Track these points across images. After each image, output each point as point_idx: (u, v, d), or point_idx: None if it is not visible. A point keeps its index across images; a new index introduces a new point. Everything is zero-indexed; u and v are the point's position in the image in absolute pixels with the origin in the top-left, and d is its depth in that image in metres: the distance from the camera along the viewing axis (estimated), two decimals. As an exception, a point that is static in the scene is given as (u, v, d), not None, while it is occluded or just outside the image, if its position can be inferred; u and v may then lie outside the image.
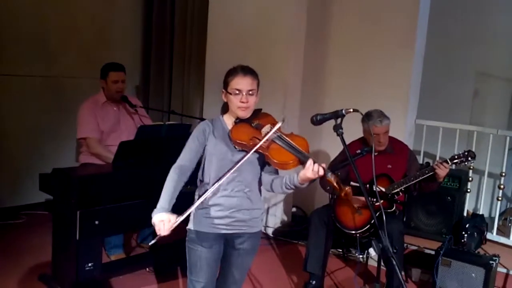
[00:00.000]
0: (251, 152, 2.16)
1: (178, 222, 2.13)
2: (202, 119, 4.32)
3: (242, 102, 2.23)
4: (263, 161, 2.27)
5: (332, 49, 4.79)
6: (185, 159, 2.27)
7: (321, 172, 2.07)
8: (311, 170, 2.07)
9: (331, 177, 2.07)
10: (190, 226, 2.32)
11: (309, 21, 4.62)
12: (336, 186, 2.06)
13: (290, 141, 2.20)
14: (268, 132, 2.20)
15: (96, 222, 3.05)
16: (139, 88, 5.85)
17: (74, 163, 4.32)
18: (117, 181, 3.24)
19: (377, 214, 3.21)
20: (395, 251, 1.89)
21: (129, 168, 3.33)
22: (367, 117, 3.46)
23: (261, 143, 2.16)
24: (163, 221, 2.11)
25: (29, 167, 4.54)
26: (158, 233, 2.13)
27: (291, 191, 2.28)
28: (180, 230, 2.34)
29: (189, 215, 2.31)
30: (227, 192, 2.26)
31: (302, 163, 2.13)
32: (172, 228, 2.12)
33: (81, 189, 3.02)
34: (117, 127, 3.88)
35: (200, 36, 5.19)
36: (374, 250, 2.00)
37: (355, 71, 4.67)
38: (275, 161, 2.16)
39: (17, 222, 4.51)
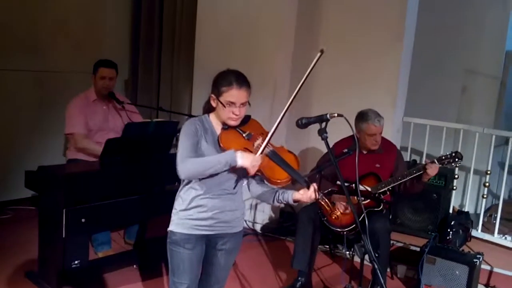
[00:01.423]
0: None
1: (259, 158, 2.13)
2: (191, 116, 4.33)
3: (236, 114, 2.19)
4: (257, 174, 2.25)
5: (320, 44, 4.78)
6: (190, 153, 2.15)
7: (313, 197, 2.12)
8: (308, 195, 2.14)
9: (322, 201, 2.09)
10: (172, 228, 2.30)
11: (298, 15, 4.61)
12: (328, 209, 2.09)
13: (284, 159, 2.19)
14: (259, 145, 2.17)
15: (83, 220, 3.06)
16: (128, 82, 5.81)
17: (62, 159, 4.30)
18: (103, 178, 3.24)
19: (362, 215, 3.28)
20: (376, 255, 1.91)
21: (115, 165, 3.32)
22: (363, 117, 3.47)
23: (262, 148, 2.13)
24: (256, 163, 2.09)
25: (16, 162, 4.50)
26: (249, 173, 2.11)
27: (281, 205, 2.30)
28: (165, 228, 2.35)
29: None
30: (211, 194, 2.24)
31: (294, 182, 2.15)
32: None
33: (67, 187, 3.01)
34: (105, 126, 3.88)
35: (188, 31, 5.16)
36: (357, 254, 2.02)
37: (343, 68, 4.66)
38: (267, 177, 2.17)
39: (4, 217, 4.48)
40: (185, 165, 2.13)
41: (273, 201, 2.29)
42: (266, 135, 2.22)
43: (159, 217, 2.88)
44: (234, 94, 2.17)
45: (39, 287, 3.26)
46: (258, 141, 2.23)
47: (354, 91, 4.51)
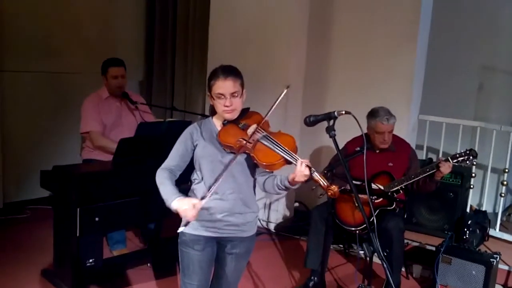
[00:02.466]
0: (237, 155, 2.13)
1: (202, 204, 2.10)
2: (204, 115, 4.34)
3: (226, 106, 2.19)
4: (253, 162, 2.24)
5: (334, 45, 4.76)
6: (173, 162, 2.26)
7: (307, 172, 2.03)
8: (299, 172, 2.04)
9: (316, 177, 2.03)
10: (182, 228, 2.29)
11: (311, 16, 4.59)
12: (323, 185, 2.02)
13: (277, 141, 2.16)
14: (254, 133, 2.17)
15: (97, 219, 3.09)
16: (143, 84, 5.87)
17: (78, 159, 4.37)
18: (117, 178, 3.26)
19: (376, 212, 3.25)
20: (385, 254, 1.88)
21: (128, 165, 3.34)
22: (373, 114, 3.44)
23: (245, 144, 2.13)
24: (187, 207, 2.06)
25: (34, 162, 4.58)
26: (186, 219, 2.12)
27: (285, 192, 2.26)
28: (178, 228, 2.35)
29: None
30: (219, 195, 2.22)
31: (289, 162, 2.10)
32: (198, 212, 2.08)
33: (81, 186, 3.05)
34: (119, 122, 3.90)
35: (202, 32, 5.20)
36: (365, 253, 1.99)
37: (358, 67, 4.63)
38: (260, 162, 2.13)
39: (22, 216, 4.57)
40: (157, 174, 2.25)
41: (275, 188, 2.22)
42: (265, 123, 2.22)
43: (174, 217, 2.90)
44: (220, 85, 2.19)
45: (54, 285, 3.31)
46: (252, 128, 2.22)
47: (369, 91, 4.48)
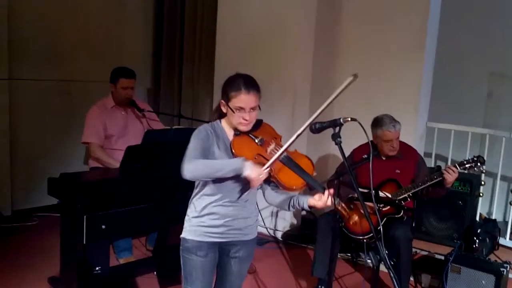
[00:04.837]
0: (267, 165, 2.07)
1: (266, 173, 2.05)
2: (211, 123, 4.35)
3: (245, 119, 2.15)
4: (271, 180, 2.21)
5: (341, 51, 4.75)
6: (199, 155, 2.12)
7: (329, 203, 2.05)
8: (322, 200, 2.07)
9: (338, 206, 2.05)
10: (184, 235, 2.29)
11: (318, 23, 4.59)
12: (345, 214, 2.06)
13: (299, 164, 2.15)
14: (273, 151, 2.14)
15: (103, 227, 3.09)
16: (150, 91, 5.89)
17: (86, 166, 4.38)
18: (123, 185, 3.26)
19: (383, 220, 3.22)
20: (392, 263, 1.86)
21: (135, 172, 3.35)
22: (378, 123, 3.42)
23: (269, 163, 2.07)
24: (259, 173, 2.01)
25: (42, 169, 4.60)
26: (252, 186, 2.03)
27: (295, 210, 2.27)
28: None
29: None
30: (223, 201, 2.22)
31: (311, 188, 2.12)
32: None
33: (87, 194, 3.05)
34: (125, 132, 3.91)
35: (209, 40, 5.22)
36: (372, 262, 1.97)
37: (365, 73, 4.56)
38: (282, 183, 2.12)
39: (30, 224, 4.59)
40: (192, 165, 2.07)
41: (288, 207, 2.23)
42: (279, 140, 2.19)
43: (181, 224, 2.90)
44: (242, 99, 2.13)
45: (61, 293, 3.32)
46: (271, 146, 2.19)
47: (376, 98, 4.46)
